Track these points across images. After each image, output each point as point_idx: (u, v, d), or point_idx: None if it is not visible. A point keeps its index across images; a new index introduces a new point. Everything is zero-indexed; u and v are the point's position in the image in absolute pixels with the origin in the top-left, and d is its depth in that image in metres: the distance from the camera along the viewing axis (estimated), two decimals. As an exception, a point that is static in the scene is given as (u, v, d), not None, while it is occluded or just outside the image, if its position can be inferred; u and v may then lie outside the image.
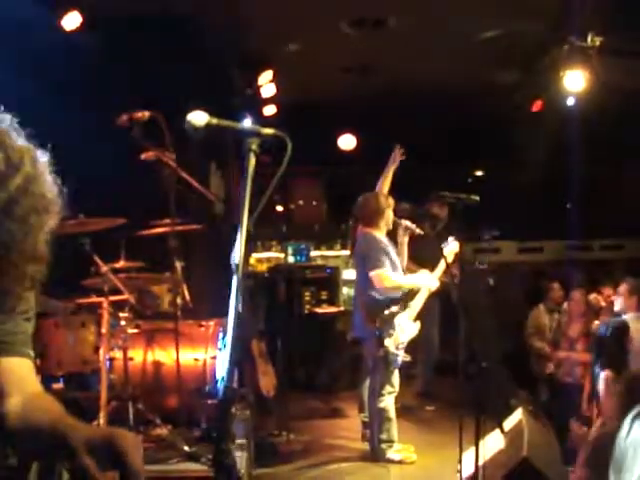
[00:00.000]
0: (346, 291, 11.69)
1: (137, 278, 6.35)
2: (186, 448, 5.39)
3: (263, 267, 12.10)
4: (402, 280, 7.03)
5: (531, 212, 12.44)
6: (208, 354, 6.23)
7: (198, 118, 2.29)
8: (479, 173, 14.37)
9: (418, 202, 8.81)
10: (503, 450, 5.50)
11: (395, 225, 7.36)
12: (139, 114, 5.58)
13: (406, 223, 7.41)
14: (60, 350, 5.88)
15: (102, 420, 5.38)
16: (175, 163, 5.77)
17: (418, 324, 7.18)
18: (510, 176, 12.68)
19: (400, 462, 6.94)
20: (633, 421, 2.55)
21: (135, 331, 6.31)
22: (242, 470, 5.29)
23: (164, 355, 6.20)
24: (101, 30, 7.64)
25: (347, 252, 11.78)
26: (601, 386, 5.97)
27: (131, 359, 6.10)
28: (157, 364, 6.21)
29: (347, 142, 12.23)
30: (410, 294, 7.18)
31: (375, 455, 7.03)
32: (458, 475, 5.43)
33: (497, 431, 5.68)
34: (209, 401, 6.03)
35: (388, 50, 9.65)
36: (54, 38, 7.52)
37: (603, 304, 8.63)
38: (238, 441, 5.53)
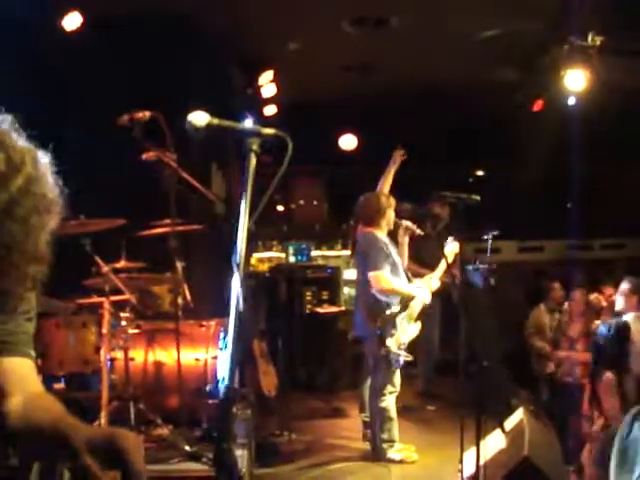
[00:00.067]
0: (347, 291, 11.69)
1: (138, 278, 6.35)
2: (187, 448, 5.40)
3: (264, 267, 12.10)
4: (399, 286, 7.01)
5: (532, 211, 12.44)
6: (209, 354, 6.24)
7: (199, 118, 2.29)
8: (480, 173, 14.37)
9: (419, 202, 8.82)
10: (504, 450, 5.50)
11: (396, 225, 7.36)
12: (140, 114, 5.58)
13: (407, 224, 7.41)
14: (61, 350, 5.89)
15: (103, 420, 5.39)
16: (176, 163, 5.76)
17: (419, 324, 7.18)
18: (511, 176, 12.69)
19: (401, 462, 6.95)
20: (633, 420, 2.56)
21: (136, 331, 6.32)
22: (243, 470, 5.29)
23: (165, 355, 6.21)
24: (101, 30, 7.64)
25: (348, 252, 11.83)
26: (603, 388, 5.96)
27: (132, 359, 6.10)
28: (158, 364, 6.22)
29: (348, 142, 12.22)
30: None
31: (376, 455, 7.03)
32: (459, 475, 5.44)
33: (498, 431, 5.68)
34: (210, 401, 6.04)
35: (389, 49, 9.64)
36: (54, 38, 7.53)
37: (604, 304, 8.63)
38: (239, 441, 5.53)
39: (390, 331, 6.84)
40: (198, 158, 6.98)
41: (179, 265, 6.19)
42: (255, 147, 2.29)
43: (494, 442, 5.61)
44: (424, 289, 7.22)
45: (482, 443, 4.98)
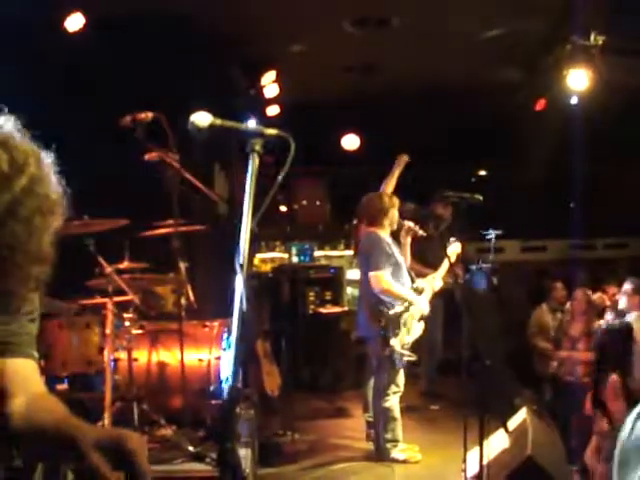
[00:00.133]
0: (350, 291, 11.70)
1: (141, 279, 6.35)
2: (191, 448, 5.40)
3: (267, 267, 12.11)
4: (399, 290, 6.98)
5: (534, 211, 12.45)
6: (212, 354, 6.24)
7: (201, 119, 2.30)
8: (482, 173, 14.37)
9: (422, 202, 8.83)
10: (507, 449, 5.50)
11: (398, 226, 7.36)
12: (142, 115, 5.59)
13: (409, 224, 7.41)
14: (64, 351, 5.89)
15: (107, 421, 5.39)
16: (179, 164, 5.77)
17: (422, 324, 7.18)
18: (513, 175, 12.70)
19: (405, 461, 6.95)
20: (636, 420, 2.55)
21: (139, 332, 6.32)
22: (247, 470, 5.30)
23: (168, 356, 6.21)
24: (104, 31, 7.65)
25: (351, 252, 11.85)
26: (609, 391, 5.95)
27: (135, 360, 6.10)
28: (161, 365, 6.22)
29: (350, 142, 12.22)
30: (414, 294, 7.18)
31: (380, 455, 7.03)
32: (462, 474, 5.43)
33: (501, 430, 5.68)
34: (213, 401, 6.04)
35: (391, 49, 9.65)
36: (57, 39, 7.54)
37: (608, 303, 8.63)
38: (243, 441, 5.54)
39: (394, 331, 6.84)
40: (201, 159, 7.00)
41: (182, 265, 6.19)
42: (258, 147, 2.29)
43: (497, 442, 5.61)
44: (423, 298, 7.17)
45: (485, 443, 4.98)
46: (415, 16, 8.62)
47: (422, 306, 7.08)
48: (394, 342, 6.80)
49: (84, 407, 5.83)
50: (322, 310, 10.77)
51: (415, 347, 7.13)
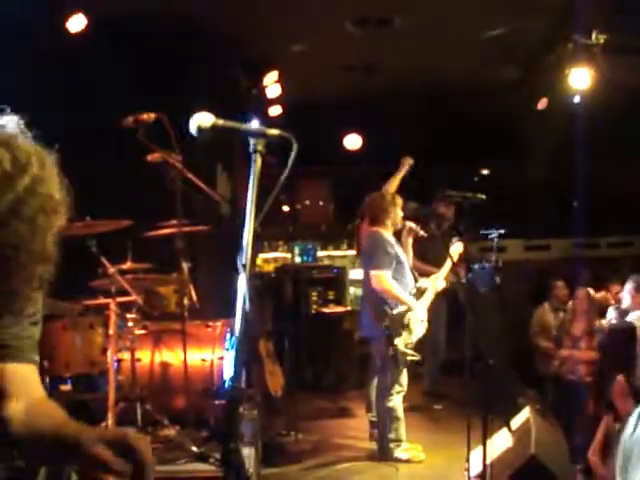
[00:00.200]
0: (353, 291, 11.70)
1: (144, 279, 6.35)
2: (194, 448, 5.40)
3: (270, 267, 12.12)
4: (398, 292, 6.97)
5: (537, 210, 12.44)
6: (215, 354, 6.24)
7: (204, 119, 2.29)
8: (485, 172, 14.36)
9: (425, 201, 8.82)
10: (511, 448, 5.51)
11: (400, 226, 7.36)
12: (145, 116, 5.59)
13: (410, 225, 7.41)
14: (68, 352, 5.90)
15: (110, 421, 5.39)
16: (181, 164, 5.78)
17: (426, 323, 7.18)
18: (516, 174, 12.69)
19: (408, 461, 6.95)
20: (638, 419, 2.55)
21: (142, 332, 6.32)
22: (250, 470, 5.30)
23: (171, 356, 6.21)
24: (106, 32, 7.66)
25: (354, 252, 11.86)
26: (617, 392, 5.95)
27: (139, 360, 6.11)
28: (165, 365, 6.22)
29: (353, 142, 12.21)
30: (417, 294, 7.18)
31: (383, 454, 7.04)
32: (466, 473, 5.44)
33: (505, 430, 5.69)
34: (217, 401, 6.04)
35: (393, 49, 9.65)
36: (59, 40, 7.54)
37: (613, 302, 8.63)
38: (246, 441, 5.54)
39: (398, 330, 6.84)
40: (203, 159, 6.99)
41: (185, 266, 6.19)
42: (260, 148, 2.29)
43: (501, 441, 5.61)
44: (421, 305, 7.13)
45: (489, 442, 4.98)
46: (416, 16, 8.62)
47: (419, 312, 7.05)
48: (398, 342, 6.81)
49: (88, 408, 5.84)
50: (325, 310, 10.77)
51: (418, 347, 7.13)
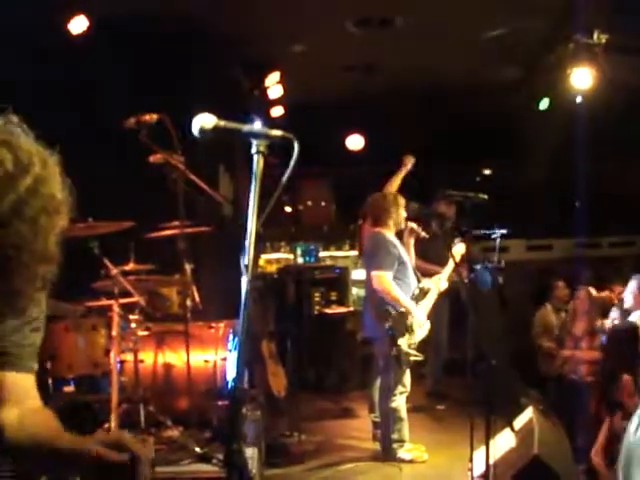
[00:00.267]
0: (355, 291, 11.68)
1: (147, 280, 6.36)
2: (197, 449, 5.41)
3: (272, 268, 12.11)
4: (398, 295, 6.96)
5: (539, 210, 12.43)
6: (218, 355, 6.25)
7: (206, 120, 2.30)
8: (487, 172, 14.35)
9: (426, 202, 8.82)
10: (514, 448, 5.51)
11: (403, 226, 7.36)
12: (147, 117, 5.60)
13: (412, 225, 7.40)
14: (71, 353, 5.90)
15: (113, 423, 5.40)
16: (183, 165, 5.78)
17: (428, 324, 7.18)
18: (517, 174, 12.68)
19: (411, 461, 6.95)
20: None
21: (145, 333, 6.33)
22: (253, 471, 5.31)
23: (174, 357, 6.22)
24: (107, 33, 7.66)
25: (356, 252, 11.85)
26: (625, 391, 5.95)
27: (142, 361, 6.11)
28: (167, 366, 6.23)
29: (355, 142, 12.22)
30: (420, 294, 7.18)
31: (386, 455, 7.04)
32: (469, 474, 5.44)
33: (507, 430, 5.68)
34: (220, 402, 6.05)
35: (394, 49, 9.64)
36: (60, 41, 7.55)
37: (616, 302, 8.62)
38: (249, 441, 5.55)
39: (401, 331, 6.83)
40: (205, 160, 6.99)
41: (188, 267, 6.19)
42: (262, 149, 2.29)
43: (504, 441, 5.62)
44: (422, 311, 7.13)
45: (492, 442, 4.98)
46: (417, 16, 8.62)
47: (418, 317, 7.03)
48: (401, 342, 6.80)
49: (90, 409, 5.84)
50: (327, 311, 10.77)
51: (421, 347, 7.13)
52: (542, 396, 8.29)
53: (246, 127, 2.33)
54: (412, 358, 6.91)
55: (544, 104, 10.59)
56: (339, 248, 13.05)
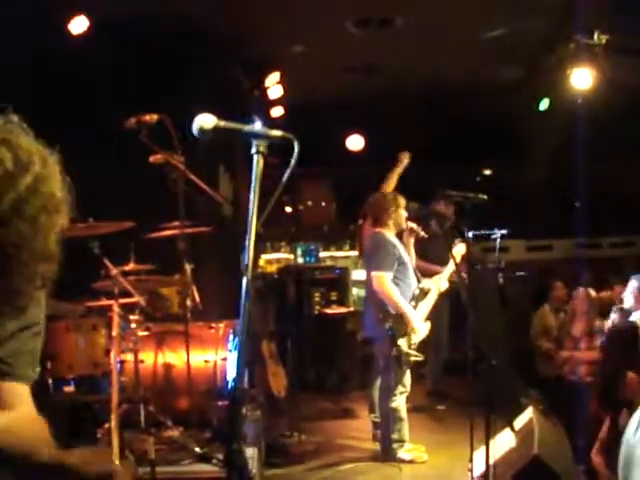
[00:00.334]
0: (356, 291, 11.69)
1: (147, 280, 6.35)
2: (198, 449, 5.42)
3: (272, 268, 12.12)
4: (396, 298, 6.95)
5: (539, 210, 12.44)
6: (218, 356, 6.24)
7: (206, 121, 2.30)
8: (487, 172, 14.36)
9: (426, 202, 8.83)
10: (514, 448, 5.51)
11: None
12: (147, 117, 5.60)
13: (411, 225, 7.40)
14: (71, 353, 5.89)
15: (113, 423, 5.39)
16: (183, 165, 5.78)
17: (428, 324, 7.18)
18: (518, 175, 12.69)
19: (411, 462, 6.95)
20: (641, 420, 2.56)
21: (145, 333, 6.32)
22: (253, 471, 5.31)
23: (174, 357, 6.22)
24: (107, 33, 7.67)
25: (356, 253, 11.85)
26: (633, 389, 5.94)
27: (142, 361, 6.10)
28: (168, 366, 6.22)
29: (355, 142, 12.23)
30: (420, 295, 7.17)
31: (386, 455, 7.04)
32: (469, 474, 5.44)
33: (507, 430, 5.68)
34: (220, 402, 6.05)
35: (394, 50, 9.65)
36: (60, 41, 7.56)
37: (617, 302, 8.62)
38: (249, 442, 5.55)
39: (401, 331, 6.83)
40: (205, 160, 6.99)
41: (188, 267, 6.18)
42: (262, 149, 2.29)
43: (504, 441, 5.62)
44: (419, 315, 7.11)
45: (492, 442, 4.98)
46: (417, 16, 8.62)
47: (416, 323, 7.02)
48: (401, 342, 6.80)
49: (91, 409, 5.85)
50: (328, 311, 10.76)
51: (421, 347, 7.13)
52: (541, 396, 8.30)
53: (246, 127, 2.33)
54: (412, 358, 6.91)
55: (544, 104, 10.61)
56: (339, 248, 13.06)
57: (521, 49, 9.63)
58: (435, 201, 9.05)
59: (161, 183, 5.86)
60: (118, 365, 5.80)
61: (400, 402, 7.02)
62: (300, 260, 12.45)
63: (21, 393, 2.05)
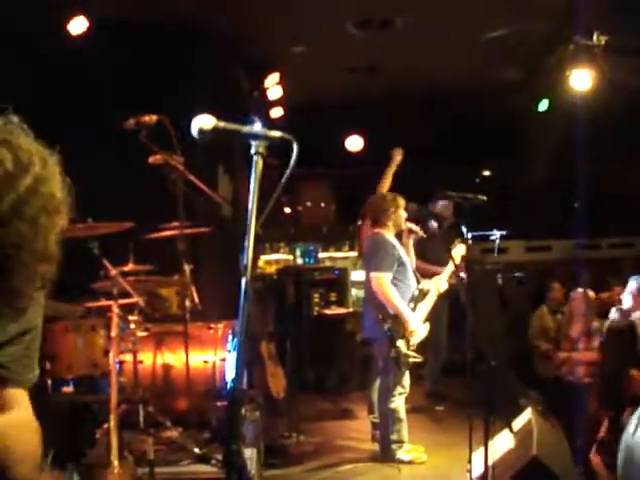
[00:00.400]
0: (355, 292, 11.70)
1: (146, 281, 6.35)
2: (196, 450, 5.42)
3: (272, 269, 12.13)
4: (394, 299, 6.93)
5: (538, 211, 12.44)
6: (217, 356, 6.25)
7: (205, 122, 2.29)
8: (486, 173, 14.37)
9: (426, 202, 8.83)
10: (512, 449, 5.51)
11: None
12: (146, 118, 5.61)
13: (410, 226, 7.40)
14: (70, 353, 5.89)
15: (112, 423, 5.39)
16: (183, 166, 5.78)
17: (427, 325, 7.17)
18: (517, 175, 12.69)
19: (410, 462, 6.95)
20: (640, 419, 2.56)
21: (144, 334, 6.32)
22: (252, 471, 5.31)
23: (173, 358, 6.22)
24: (107, 33, 7.67)
25: (355, 253, 11.86)
26: (636, 385, 5.94)
27: (141, 362, 6.10)
28: (167, 367, 6.23)
29: (354, 143, 12.23)
30: (420, 295, 7.17)
31: (385, 456, 7.04)
32: (468, 475, 5.44)
33: (506, 431, 5.68)
34: (219, 403, 6.05)
35: (395, 50, 9.65)
36: (60, 42, 7.56)
37: (617, 303, 8.62)
38: (248, 442, 5.55)
39: (400, 332, 6.83)
40: (205, 161, 7.00)
41: (187, 268, 6.19)
42: (261, 150, 2.29)
43: (503, 442, 5.61)
44: (417, 318, 7.10)
45: (491, 443, 4.98)
46: (418, 17, 8.62)
47: (413, 325, 7.01)
48: (400, 343, 6.80)
49: (90, 409, 5.84)
50: (327, 311, 10.76)
51: (420, 348, 7.13)
52: (540, 397, 8.30)
53: (245, 128, 2.33)
54: (411, 359, 6.91)
55: (543, 105, 10.62)
56: (338, 249, 13.07)
57: (522, 50, 9.63)
58: (434, 202, 9.05)
59: (160, 184, 5.86)
60: (117, 366, 5.79)
61: (399, 403, 7.02)
62: (299, 261, 12.47)
63: (18, 398, 2.04)
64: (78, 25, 7.63)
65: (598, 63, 8.55)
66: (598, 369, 7.16)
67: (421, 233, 7.42)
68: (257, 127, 2.33)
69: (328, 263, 12.54)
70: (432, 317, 7.36)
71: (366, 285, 7.44)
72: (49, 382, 5.70)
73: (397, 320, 6.85)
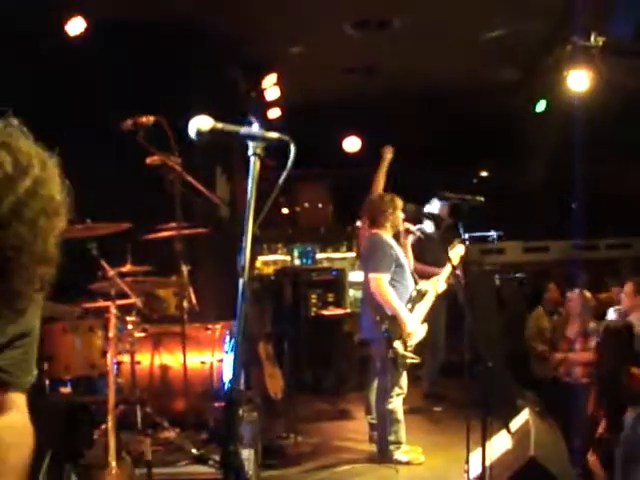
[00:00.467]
0: (352, 293, 11.70)
1: (144, 282, 6.35)
2: (194, 451, 5.42)
3: (269, 270, 12.13)
4: (392, 300, 6.93)
5: (536, 212, 12.45)
6: (215, 357, 6.25)
7: (203, 123, 2.30)
8: (484, 174, 14.38)
9: (423, 204, 8.83)
10: (510, 450, 5.51)
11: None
12: (144, 119, 5.60)
13: (408, 226, 7.40)
14: (68, 354, 5.89)
15: (110, 424, 5.39)
16: (180, 167, 5.78)
17: (425, 326, 7.17)
18: (514, 176, 12.70)
19: (408, 463, 6.95)
20: (639, 420, 2.56)
21: (142, 335, 6.32)
22: (250, 472, 5.31)
23: (171, 358, 6.22)
24: (105, 34, 7.67)
25: (353, 254, 11.86)
26: (636, 383, 5.94)
27: (138, 363, 6.11)
28: (164, 367, 6.22)
29: (352, 144, 12.22)
30: (418, 296, 7.17)
31: (383, 456, 7.03)
32: (465, 475, 5.44)
33: (504, 431, 5.69)
34: (216, 404, 6.05)
35: (393, 51, 9.66)
36: (58, 43, 7.56)
37: (614, 304, 8.62)
38: (246, 443, 5.55)
39: (398, 333, 6.83)
40: (202, 162, 7.00)
41: (184, 268, 6.19)
42: (259, 151, 2.29)
43: (500, 443, 5.61)
44: (415, 320, 7.09)
45: (488, 444, 4.98)
46: (415, 17, 8.63)
47: (411, 326, 7.00)
48: (398, 344, 6.80)
49: (87, 410, 5.84)
50: (324, 312, 10.75)
51: (418, 349, 7.12)
52: (537, 398, 8.30)
53: (243, 129, 2.33)
54: (409, 360, 6.90)
55: (541, 106, 10.62)
56: (336, 250, 13.08)
57: (519, 50, 9.64)
58: (432, 202, 9.05)
59: (158, 184, 5.86)
60: (115, 366, 5.78)
61: (397, 404, 7.02)
62: (297, 262, 12.47)
63: (17, 401, 2.05)
64: (76, 26, 7.64)
65: (596, 64, 8.55)
66: (595, 369, 7.16)
67: (418, 233, 7.42)
68: (255, 128, 2.33)
69: (326, 264, 12.54)
70: (430, 318, 7.36)
71: (364, 286, 7.44)
72: (47, 383, 5.70)
73: (395, 321, 6.85)
